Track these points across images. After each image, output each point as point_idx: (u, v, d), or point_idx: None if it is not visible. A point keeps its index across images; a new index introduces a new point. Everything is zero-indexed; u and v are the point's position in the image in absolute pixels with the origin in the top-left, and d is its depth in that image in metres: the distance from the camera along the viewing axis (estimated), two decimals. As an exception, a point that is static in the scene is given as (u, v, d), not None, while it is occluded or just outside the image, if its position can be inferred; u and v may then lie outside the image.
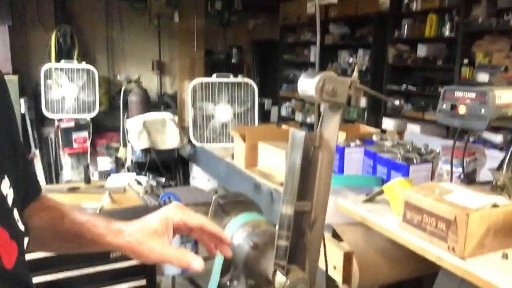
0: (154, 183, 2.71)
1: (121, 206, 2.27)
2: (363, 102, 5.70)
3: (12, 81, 4.48)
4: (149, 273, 2.24)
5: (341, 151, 2.24)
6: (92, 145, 4.84)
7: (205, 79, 3.96)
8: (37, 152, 4.90)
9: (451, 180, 1.67)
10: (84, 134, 4.69)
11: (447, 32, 4.47)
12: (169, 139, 4.21)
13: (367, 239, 1.69)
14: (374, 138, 2.34)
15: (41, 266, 1.92)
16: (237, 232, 0.92)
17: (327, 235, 1.76)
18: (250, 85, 3.99)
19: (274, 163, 2.73)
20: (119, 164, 4.91)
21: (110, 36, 5.90)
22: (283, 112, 7.18)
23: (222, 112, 3.94)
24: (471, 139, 1.78)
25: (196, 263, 0.72)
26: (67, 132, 4.65)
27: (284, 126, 3.52)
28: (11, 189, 0.65)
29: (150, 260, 0.75)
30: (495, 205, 1.30)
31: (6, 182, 0.64)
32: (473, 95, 1.40)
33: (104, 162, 4.87)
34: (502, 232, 1.31)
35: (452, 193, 1.39)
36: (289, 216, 0.75)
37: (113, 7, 5.83)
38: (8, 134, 0.70)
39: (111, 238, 0.76)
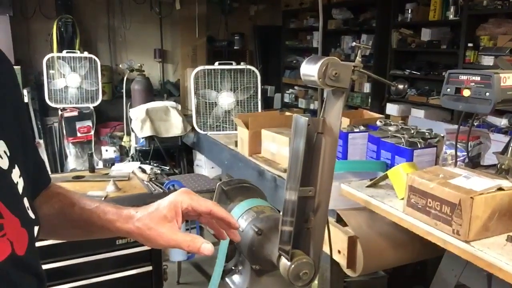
0: (158, 171, 2.72)
1: (125, 194, 2.28)
2: (366, 87, 5.67)
3: (14, 71, 4.47)
4: (155, 259, 2.26)
5: (344, 136, 2.23)
6: (96, 134, 4.86)
7: (208, 67, 3.95)
8: (41, 141, 4.92)
9: (455, 164, 1.66)
10: (88, 123, 4.70)
11: (451, 16, 4.42)
12: (173, 127, 4.21)
13: (371, 224, 1.70)
14: (378, 123, 2.34)
15: (47, 253, 1.95)
16: (242, 218, 0.92)
17: (331, 220, 1.77)
18: (253, 72, 3.97)
19: (278, 149, 2.73)
20: (123, 153, 4.94)
21: (111, 25, 5.87)
22: (286, 99, 7.16)
23: (225, 99, 3.93)
24: (475, 123, 1.77)
25: (206, 247, 0.73)
26: (71, 121, 4.66)
27: (287, 113, 3.51)
28: (21, 178, 0.65)
29: (160, 245, 0.76)
30: (500, 189, 1.30)
31: (16, 171, 0.64)
32: (477, 78, 1.39)
33: (108, 151, 4.89)
34: (507, 215, 1.31)
35: (457, 177, 1.39)
36: (293, 201, 0.75)
37: (114, -5, 5.80)
38: (18, 123, 0.70)
39: (120, 224, 0.76)
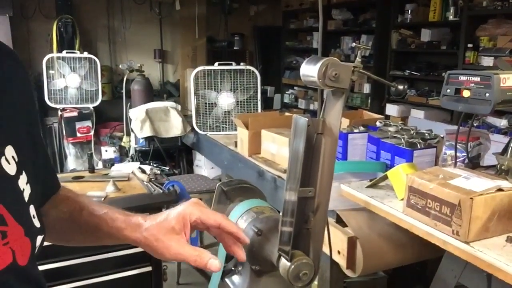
0: (158, 171, 2.71)
1: (125, 194, 2.28)
2: (366, 88, 5.68)
3: (14, 71, 4.46)
4: (155, 259, 2.26)
5: (344, 137, 2.23)
6: (95, 134, 4.86)
7: (208, 67, 3.95)
8: (41, 142, 4.92)
9: (455, 165, 1.66)
10: (88, 123, 4.70)
11: (451, 17, 4.42)
12: (172, 127, 4.21)
13: (371, 224, 1.70)
14: (378, 124, 2.34)
15: (47, 253, 1.94)
16: (241, 218, 0.92)
17: (331, 221, 1.77)
18: (253, 72, 3.97)
19: (277, 150, 2.73)
20: (122, 153, 4.94)
21: (111, 25, 5.88)
22: (286, 100, 7.16)
23: (224, 100, 3.93)
24: (475, 123, 1.77)
25: (214, 263, 0.71)
26: (71, 121, 4.66)
27: (287, 114, 3.51)
28: (28, 184, 0.64)
29: (166, 258, 0.74)
30: (499, 189, 1.30)
31: (24, 177, 0.63)
32: (477, 79, 1.39)
33: (108, 151, 4.89)
34: (507, 216, 1.31)
35: (456, 178, 1.39)
36: (292, 202, 0.75)
37: (113, -5, 5.80)
38: (29, 129, 0.69)
39: (128, 232, 0.75)
